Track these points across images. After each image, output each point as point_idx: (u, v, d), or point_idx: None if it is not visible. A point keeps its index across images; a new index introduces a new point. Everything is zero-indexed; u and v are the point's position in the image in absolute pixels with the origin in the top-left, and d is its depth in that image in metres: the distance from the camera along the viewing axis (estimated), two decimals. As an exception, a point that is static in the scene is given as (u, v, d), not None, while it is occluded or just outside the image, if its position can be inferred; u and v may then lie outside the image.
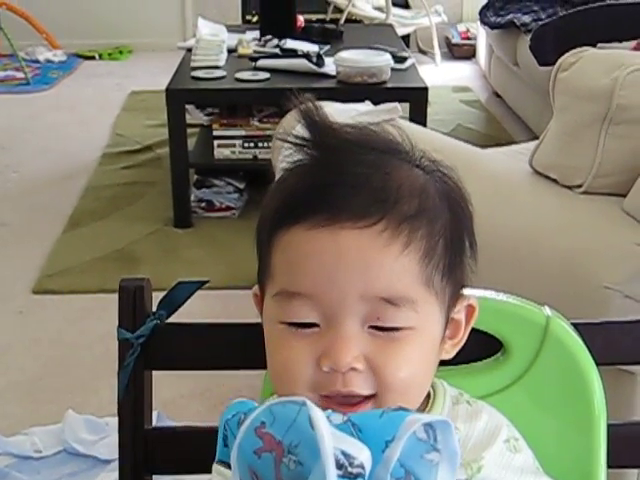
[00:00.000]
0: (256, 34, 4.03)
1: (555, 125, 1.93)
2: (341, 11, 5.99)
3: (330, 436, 0.62)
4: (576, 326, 0.92)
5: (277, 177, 0.81)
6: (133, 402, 0.98)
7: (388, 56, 3.46)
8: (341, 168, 0.76)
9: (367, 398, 0.74)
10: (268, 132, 3.56)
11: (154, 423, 1.02)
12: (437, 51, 6.09)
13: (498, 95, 5.13)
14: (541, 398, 0.90)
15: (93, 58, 6.32)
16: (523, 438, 0.83)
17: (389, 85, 3.42)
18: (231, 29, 4.11)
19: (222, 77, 3.55)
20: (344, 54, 3.47)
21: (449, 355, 0.83)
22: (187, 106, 3.64)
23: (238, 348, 0.97)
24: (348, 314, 0.73)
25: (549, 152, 1.93)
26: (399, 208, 0.74)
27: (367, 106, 2.54)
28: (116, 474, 1.00)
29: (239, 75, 3.53)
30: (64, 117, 5.04)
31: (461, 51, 6.25)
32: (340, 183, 0.74)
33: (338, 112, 2.12)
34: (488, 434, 0.80)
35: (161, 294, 0.97)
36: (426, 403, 0.81)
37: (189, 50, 3.88)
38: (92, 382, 2.49)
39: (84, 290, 3.05)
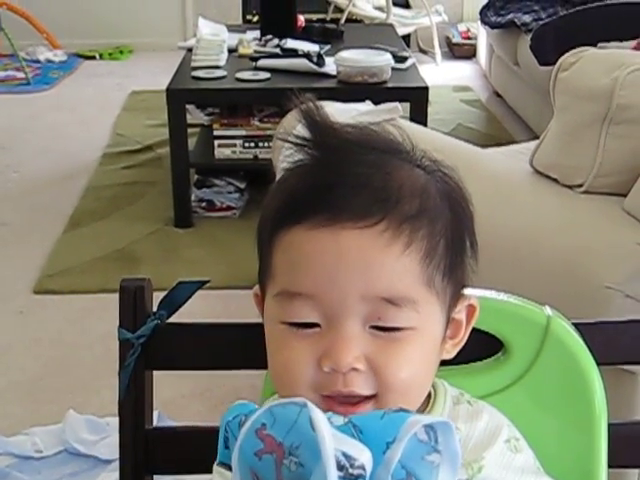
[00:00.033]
0: (256, 34, 4.03)
1: (555, 125, 1.93)
2: (342, 11, 5.99)
3: (331, 437, 0.62)
4: (577, 326, 0.92)
5: (278, 177, 0.81)
6: (134, 402, 0.98)
7: (388, 56, 3.46)
8: (342, 168, 0.76)
9: (368, 398, 0.74)
10: (269, 132, 3.56)
11: (155, 423, 1.02)
12: (437, 51, 6.09)
13: (498, 95, 5.13)
14: (542, 398, 0.90)
15: (93, 58, 6.32)
16: (524, 438, 0.83)
17: (390, 85, 3.42)
18: (231, 29, 4.11)
19: (222, 77, 3.55)
20: (345, 54, 3.47)
21: (450, 355, 0.83)
22: (187, 106, 3.64)
23: (239, 348, 0.97)
24: (349, 314, 0.73)
25: (549, 152, 1.93)
26: (400, 208, 0.74)
27: (368, 106, 2.54)
28: (117, 474, 1.00)
29: (239, 75, 3.53)
30: (65, 117, 5.04)
31: (461, 51, 6.25)
32: (341, 183, 0.74)
33: (338, 112, 2.12)
34: (489, 434, 0.80)
35: (162, 294, 0.97)
36: (427, 403, 0.81)
37: (189, 50, 3.88)
38: (93, 382, 2.49)
39: (85, 290, 3.05)
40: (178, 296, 0.97)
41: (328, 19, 5.86)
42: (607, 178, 1.81)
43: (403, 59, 3.63)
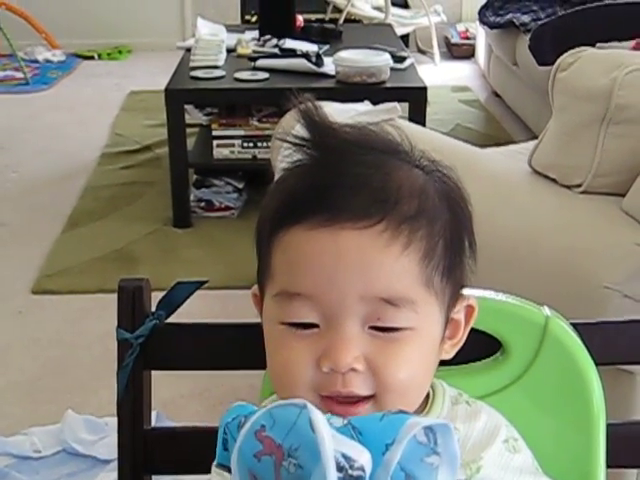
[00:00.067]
0: (255, 34, 4.03)
1: (554, 125, 1.93)
2: (340, 11, 5.99)
3: (331, 439, 0.62)
4: (575, 326, 0.92)
5: (276, 177, 0.81)
6: (132, 402, 0.98)
7: (387, 56, 3.46)
8: (341, 168, 0.76)
9: (366, 398, 0.74)
10: (267, 132, 3.56)
11: (153, 423, 1.02)
12: (436, 51, 6.09)
13: (497, 95, 5.13)
14: (540, 398, 0.90)
15: (92, 58, 6.32)
16: (522, 438, 0.83)
17: (388, 85, 3.42)
18: (230, 29, 4.11)
19: (221, 77, 3.55)
20: (343, 54, 3.47)
21: (448, 355, 0.83)
22: (186, 106, 3.64)
23: (237, 348, 0.97)
24: (348, 315, 0.73)
25: (548, 152, 1.93)
26: (399, 208, 0.74)
27: (366, 106, 2.54)
28: (115, 474, 1.00)
29: (238, 75, 3.53)
30: (63, 117, 5.04)
31: (460, 51, 6.25)
32: (340, 183, 0.74)
33: (337, 112, 2.12)
34: (487, 434, 0.80)
35: (160, 294, 0.97)
36: (425, 403, 0.81)
37: (188, 50, 3.88)
38: (91, 382, 2.49)
39: (83, 290, 3.05)
40: (176, 296, 0.97)
41: (327, 19, 5.85)
42: (606, 178, 1.81)
43: (402, 59, 3.63)
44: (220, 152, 3.61)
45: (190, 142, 3.67)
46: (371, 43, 3.80)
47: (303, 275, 0.74)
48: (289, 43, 3.84)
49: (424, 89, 3.40)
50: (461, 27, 6.40)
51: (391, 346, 0.74)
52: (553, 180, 1.90)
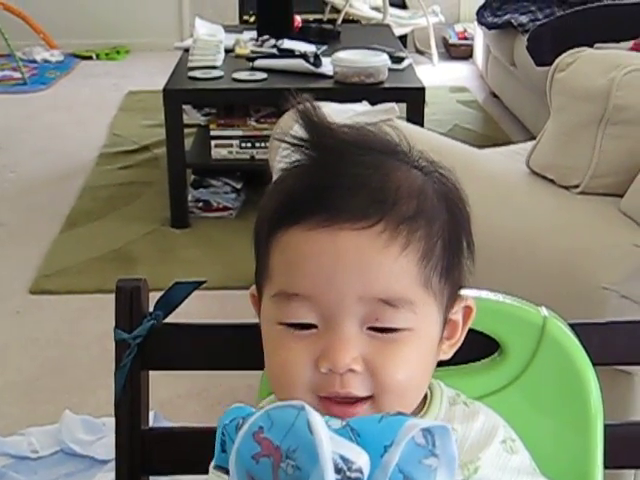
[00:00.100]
0: (253, 34, 4.03)
1: (552, 125, 1.93)
2: (338, 11, 5.99)
3: (329, 440, 0.62)
4: (573, 326, 0.92)
5: (275, 177, 0.81)
6: (130, 402, 0.98)
7: (385, 56, 3.46)
8: (339, 169, 0.75)
9: (364, 399, 0.74)
10: (265, 132, 3.56)
11: (151, 423, 1.02)
12: (434, 51, 6.09)
13: (495, 95, 5.13)
14: (538, 398, 0.90)
15: (90, 58, 6.31)
16: (520, 439, 0.83)
17: (386, 85, 3.42)
18: (228, 29, 4.11)
19: (219, 77, 3.55)
20: (341, 54, 3.48)
21: (446, 356, 0.83)
22: (184, 106, 3.64)
23: (235, 348, 0.97)
24: (346, 315, 0.73)
25: (546, 152, 1.93)
26: (398, 209, 0.74)
27: (364, 106, 2.54)
28: (113, 474, 1.00)
29: (236, 75, 3.53)
30: (61, 117, 5.04)
31: (458, 51, 6.25)
32: (338, 184, 0.74)
33: (335, 112, 2.12)
34: (485, 435, 0.80)
35: (158, 294, 0.97)
36: (423, 404, 0.81)
37: (186, 50, 3.88)
38: (89, 382, 2.49)
39: (81, 290, 3.05)
40: (174, 296, 0.97)
41: (325, 19, 5.85)
42: (603, 179, 1.81)
43: (400, 60, 3.63)
44: (218, 152, 3.61)
45: (188, 142, 3.67)
46: (369, 43, 3.80)
47: (301, 275, 0.74)
48: (287, 43, 3.84)
49: (422, 89, 3.40)
50: (459, 28, 6.40)
51: (389, 347, 0.74)
52: (551, 181, 1.90)
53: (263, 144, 3.55)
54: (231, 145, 3.61)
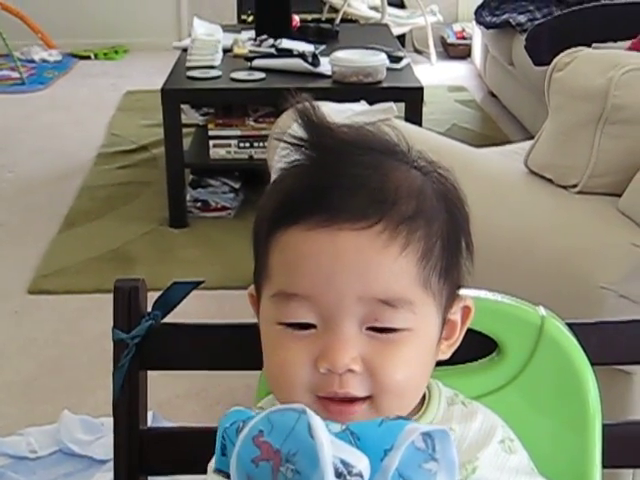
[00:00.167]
0: (252, 34, 4.03)
1: (550, 125, 1.93)
2: (337, 11, 5.99)
3: (330, 444, 0.62)
4: (571, 326, 0.92)
5: (273, 177, 0.81)
6: (128, 402, 0.98)
7: (383, 56, 3.46)
8: (339, 169, 0.75)
9: (363, 399, 0.74)
10: (264, 132, 3.56)
11: (149, 423, 1.02)
12: (432, 51, 6.09)
13: (493, 95, 5.13)
14: (536, 398, 0.90)
15: (88, 58, 6.31)
16: (518, 439, 0.82)
17: (384, 85, 3.42)
18: (227, 29, 4.11)
19: (217, 77, 3.55)
20: (339, 54, 3.48)
21: (445, 356, 0.82)
22: (182, 106, 3.64)
23: (234, 348, 0.97)
24: (346, 315, 0.73)
25: (544, 152, 1.93)
26: (397, 209, 0.74)
27: (362, 106, 2.54)
28: (111, 474, 1.00)
29: (234, 75, 3.53)
30: (59, 117, 5.04)
31: (456, 51, 6.25)
32: (338, 184, 0.74)
33: (333, 112, 2.11)
34: (483, 435, 0.80)
35: (156, 294, 0.97)
36: (421, 404, 0.81)
37: (184, 50, 3.88)
38: (88, 382, 2.49)
39: (80, 290, 3.05)
40: (173, 296, 0.97)
41: (323, 19, 5.85)
42: (602, 178, 1.81)
43: (398, 59, 3.63)
44: (216, 152, 3.62)
45: (186, 142, 3.67)
46: (367, 43, 3.80)
47: (301, 276, 0.74)
48: (285, 43, 3.84)
49: (420, 89, 3.40)
50: (457, 27, 6.40)
51: (388, 347, 0.74)
52: (549, 180, 1.90)
53: (261, 144, 3.55)
54: (229, 145, 3.61)
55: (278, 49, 3.79)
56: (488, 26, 4.67)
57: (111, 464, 1.00)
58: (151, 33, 6.48)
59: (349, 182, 0.74)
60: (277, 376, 0.77)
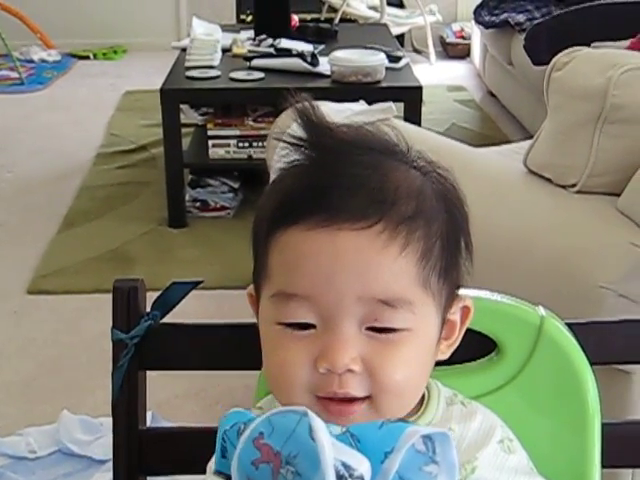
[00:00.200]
0: (250, 34, 4.03)
1: (549, 124, 1.93)
2: (336, 10, 5.99)
3: (331, 447, 0.62)
4: (570, 326, 0.92)
5: (273, 177, 0.81)
6: (127, 403, 0.98)
7: (382, 55, 3.46)
8: (338, 169, 0.75)
9: (362, 399, 0.74)
10: (263, 132, 3.56)
11: (148, 424, 1.02)
12: (432, 50, 6.09)
13: (492, 94, 5.13)
14: (535, 398, 0.90)
15: (87, 58, 6.31)
16: (517, 439, 0.82)
17: (383, 84, 3.42)
18: (225, 29, 4.11)
19: (216, 77, 3.55)
20: (338, 53, 3.47)
21: (444, 356, 0.82)
22: (181, 106, 3.64)
23: (233, 348, 0.97)
24: (345, 315, 0.73)
25: (543, 151, 1.93)
26: (397, 209, 0.74)
27: (361, 106, 2.54)
28: (111, 474, 1.00)
29: (233, 75, 3.53)
30: (58, 117, 5.03)
31: (455, 50, 6.25)
32: (337, 184, 0.74)
33: (332, 112, 2.12)
34: (482, 435, 0.80)
35: (155, 294, 0.97)
36: (420, 404, 0.81)
37: (183, 50, 3.88)
38: (87, 382, 2.49)
39: (79, 290, 3.05)
40: (172, 296, 0.97)
41: (322, 19, 5.86)
42: (601, 178, 1.81)
43: (397, 59, 3.63)
44: (215, 152, 3.61)
45: (185, 142, 3.67)
46: (366, 43, 3.80)
47: (300, 276, 0.74)
48: (284, 43, 3.84)
49: (419, 89, 3.40)
50: (456, 27, 6.40)
51: (388, 347, 0.74)
52: (548, 180, 1.90)
53: (260, 144, 3.55)
54: (228, 145, 3.61)
55: (277, 49, 3.79)
56: (487, 26, 4.68)
57: (110, 464, 1.00)
58: (150, 33, 6.48)
59: (349, 182, 0.74)
60: (276, 376, 0.77)
